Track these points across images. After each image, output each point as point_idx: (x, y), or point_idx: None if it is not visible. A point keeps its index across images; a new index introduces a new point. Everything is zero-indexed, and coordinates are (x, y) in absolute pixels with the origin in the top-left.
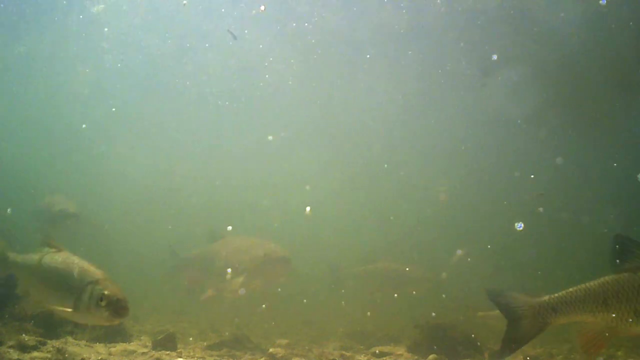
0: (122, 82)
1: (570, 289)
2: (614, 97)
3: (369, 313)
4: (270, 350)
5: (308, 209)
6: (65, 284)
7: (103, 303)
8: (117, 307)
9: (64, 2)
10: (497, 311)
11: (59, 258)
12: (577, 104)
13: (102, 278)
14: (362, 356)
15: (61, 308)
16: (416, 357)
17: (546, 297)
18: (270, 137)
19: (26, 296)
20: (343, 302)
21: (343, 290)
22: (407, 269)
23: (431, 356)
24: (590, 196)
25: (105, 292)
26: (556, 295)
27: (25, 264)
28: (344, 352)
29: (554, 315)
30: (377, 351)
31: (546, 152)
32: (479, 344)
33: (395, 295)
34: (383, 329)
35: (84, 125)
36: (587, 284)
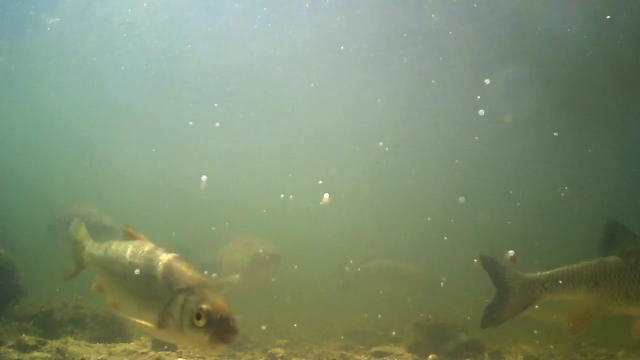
0: (123, 82)
1: (562, 268)
2: (616, 97)
3: (366, 315)
4: (270, 350)
5: (326, 195)
6: (146, 289)
7: (201, 322)
8: (221, 329)
9: (32, 13)
10: None
11: (137, 250)
12: (579, 103)
13: (198, 284)
14: (362, 356)
15: (142, 322)
16: (416, 357)
17: (537, 273)
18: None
19: (102, 295)
20: (345, 303)
21: (341, 289)
22: (403, 266)
23: (431, 356)
24: (589, 196)
25: (204, 307)
26: (548, 272)
27: (99, 257)
28: (344, 352)
29: (543, 292)
30: (377, 351)
31: (547, 152)
32: (479, 343)
33: (393, 292)
34: (383, 329)
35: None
36: (579, 264)
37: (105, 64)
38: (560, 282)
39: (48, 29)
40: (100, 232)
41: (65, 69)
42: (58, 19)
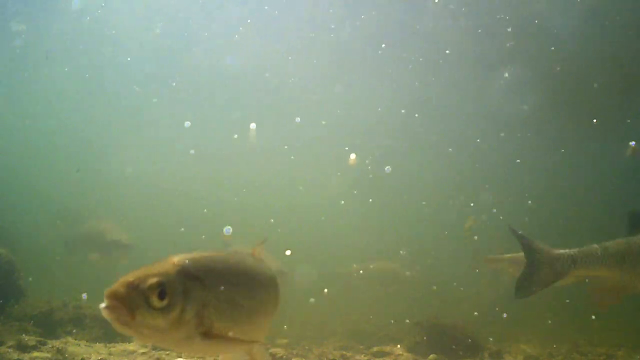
0: (123, 82)
1: (590, 246)
2: (615, 97)
3: (365, 315)
4: (270, 350)
5: (353, 156)
6: None
7: None
8: None
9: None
10: (508, 255)
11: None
12: (578, 104)
13: None
14: (362, 356)
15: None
16: (416, 357)
17: (567, 250)
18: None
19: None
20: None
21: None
22: (397, 268)
23: (431, 356)
24: (589, 196)
25: None
26: (577, 249)
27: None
28: (344, 352)
29: (572, 266)
30: (377, 351)
31: (547, 152)
32: (479, 343)
33: (387, 293)
34: (383, 329)
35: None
36: (607, 243)
37: (105, 66)
38: (589, 257)
39: (23, 35)
40: (117, 249)
41: (62, 71)
42: (24, 27)
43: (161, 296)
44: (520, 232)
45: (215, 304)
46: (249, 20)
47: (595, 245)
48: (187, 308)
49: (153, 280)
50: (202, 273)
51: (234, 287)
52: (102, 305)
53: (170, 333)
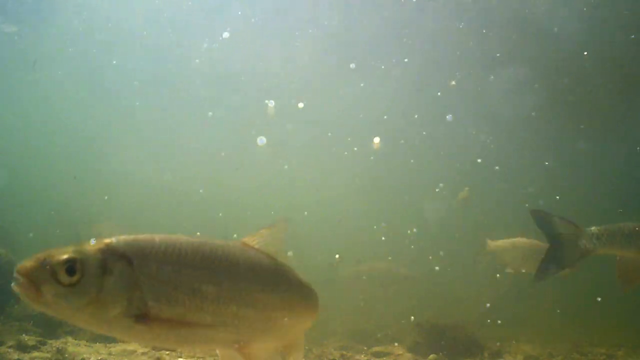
0: (123, 83)
1: (616, 224)
2: (615, 97)
3: (365, 315)
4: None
5: (377, 140)
6: None
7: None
8: None
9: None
10: (507, 241)
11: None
12: (578, 104)
13: None
14: (362, 356)
15: None
16: (416, 357)
17: (592, 227)
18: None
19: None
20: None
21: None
22: (394, 268)
23: (431, 356)
24: (588, 197)
25: None
26: (602, 226)
27: None
28: (344, 352)
29: (596, 244)
30: (377, 351)
31: (547, 152)
32: (479, 343)
33: (385, 294)
34: (383, 329)
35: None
36: (632, 223)
37: (105, 66)
38: (613, 236)
39: (15, 37)
40: None
41: (62, 71)
42: (16, 29)
43: (69, 272)
44: (540, 212)
45: (151, 286)
46: (245, 20)
47: (622, 224)
48: (106, 287)
49: (63, 255)
50: (131, 252)
51: (181, 268)
52: (13, 283)
53: (90, 313)
